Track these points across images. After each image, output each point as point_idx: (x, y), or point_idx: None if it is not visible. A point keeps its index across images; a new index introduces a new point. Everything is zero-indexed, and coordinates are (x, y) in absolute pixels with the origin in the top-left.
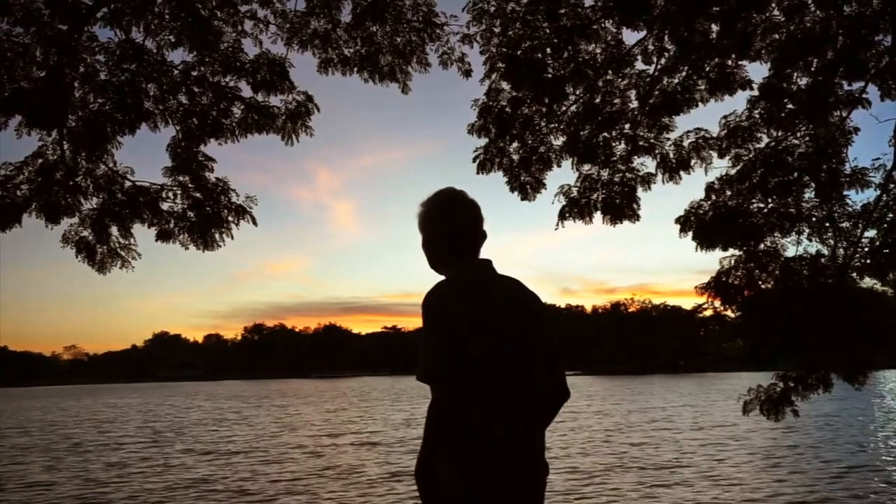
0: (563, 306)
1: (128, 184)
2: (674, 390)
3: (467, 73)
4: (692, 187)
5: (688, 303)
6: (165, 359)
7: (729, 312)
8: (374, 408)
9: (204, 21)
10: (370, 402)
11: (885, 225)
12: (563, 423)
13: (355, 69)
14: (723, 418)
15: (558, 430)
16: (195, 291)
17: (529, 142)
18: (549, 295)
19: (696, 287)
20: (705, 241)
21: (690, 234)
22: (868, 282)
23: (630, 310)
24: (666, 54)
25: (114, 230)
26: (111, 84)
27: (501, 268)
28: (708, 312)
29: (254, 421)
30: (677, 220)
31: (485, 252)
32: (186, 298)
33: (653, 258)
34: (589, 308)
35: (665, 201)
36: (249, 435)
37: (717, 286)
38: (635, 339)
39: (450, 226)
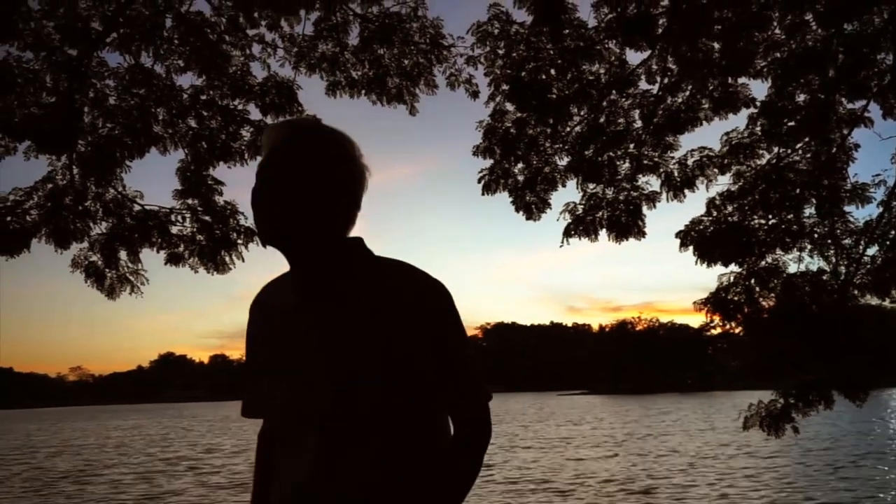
0: (569, 325)
1: (137, 208)
2: (694, 410)
3: (475, 95)
4: (699, 206)
5: (695, 321)
6: (171, 380)
7: (736, 330)
8: None
9: (212, 45)
10: None
11: (888, 242)
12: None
13: (363, 91)
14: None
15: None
16: (200, 311)
17: (534, 162)
18: (555, 313)
19: (694, 303)
20: (705, 255)
21: (691, 248)
22: (872, 300)
23: (637, 328)
24: (669, 74)
25: (123, 255)
26: (120, 109)
27: (507, 286)
28: (716, 331)
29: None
30: (678, 235)
31: (488, 270)
32: (192, 318)
33: (659, 277)
34: (595, 327)
35: (671, 220)
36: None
37: (715, 302)
38: (642, 358)
39: (363, 188)
